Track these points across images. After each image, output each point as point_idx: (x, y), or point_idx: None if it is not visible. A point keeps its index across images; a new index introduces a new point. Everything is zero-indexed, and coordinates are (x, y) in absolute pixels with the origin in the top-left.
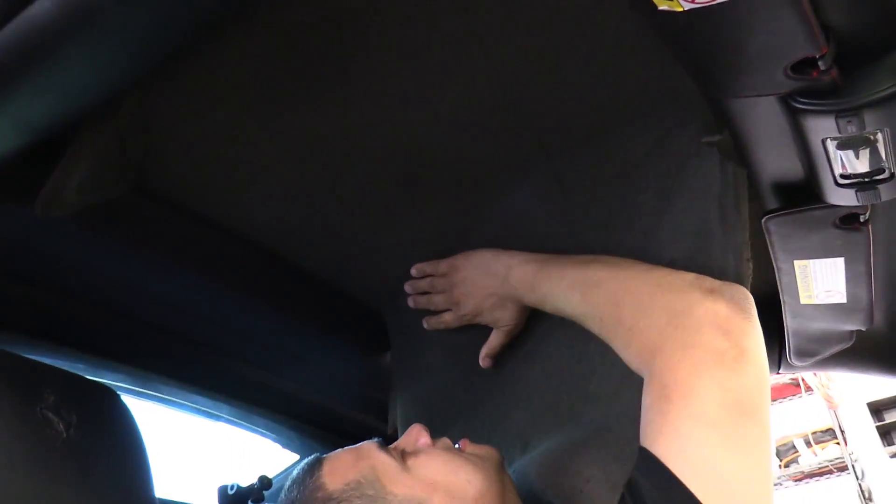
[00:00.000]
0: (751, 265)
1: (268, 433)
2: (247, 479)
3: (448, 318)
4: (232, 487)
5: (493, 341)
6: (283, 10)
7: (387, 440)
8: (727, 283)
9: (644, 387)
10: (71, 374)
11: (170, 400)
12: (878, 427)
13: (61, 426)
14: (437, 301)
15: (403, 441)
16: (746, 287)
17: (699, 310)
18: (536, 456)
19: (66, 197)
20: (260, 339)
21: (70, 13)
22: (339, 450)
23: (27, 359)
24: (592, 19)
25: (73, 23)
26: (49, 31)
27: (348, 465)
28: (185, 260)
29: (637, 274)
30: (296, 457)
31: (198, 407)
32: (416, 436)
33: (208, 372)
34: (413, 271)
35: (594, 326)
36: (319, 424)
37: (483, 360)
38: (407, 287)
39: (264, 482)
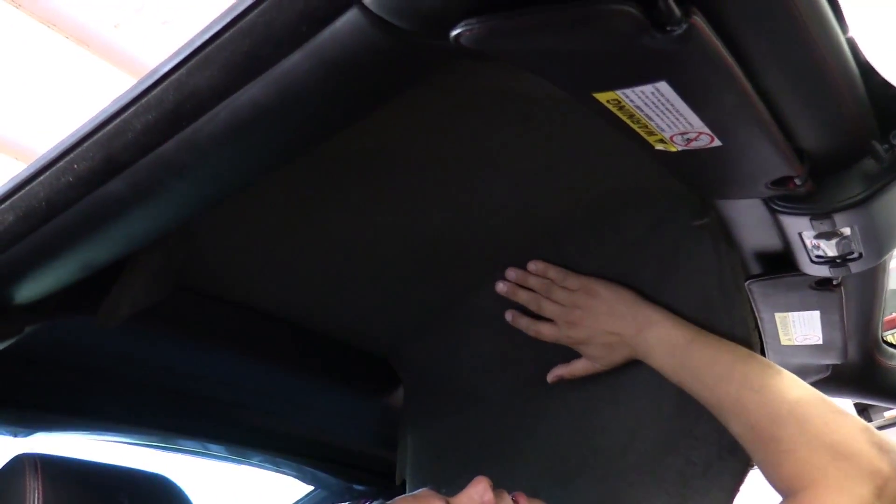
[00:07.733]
0: (757, 332)
1: (290, 472)
2: None
3: (547, 332)
4: None
5: (578, 370)
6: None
7: (394, 491)
8: None
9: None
10: (136, 471)
11: (205, 453)
12: (855, 405)
13: None
14: (548, 308)
15: (466, 497)
16: (757, 351)
17: (864, 461)
18: None
19: (122, 310)
20: (282, 395)
21: (139, 192)
22: (399, 498)
23: (102, 465)
24: (591, 136)
25: (139, 197)
26: (119, 204)
27: None
28: (216, 339)
29: (805, 398)
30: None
31: (227, 456)
32: (482, 493)
33: (237, 428)
34: (531, 266)
35: (737, 427)
36: (337, 461)
37: (553, 377)
38: (510, 273)
39: None
